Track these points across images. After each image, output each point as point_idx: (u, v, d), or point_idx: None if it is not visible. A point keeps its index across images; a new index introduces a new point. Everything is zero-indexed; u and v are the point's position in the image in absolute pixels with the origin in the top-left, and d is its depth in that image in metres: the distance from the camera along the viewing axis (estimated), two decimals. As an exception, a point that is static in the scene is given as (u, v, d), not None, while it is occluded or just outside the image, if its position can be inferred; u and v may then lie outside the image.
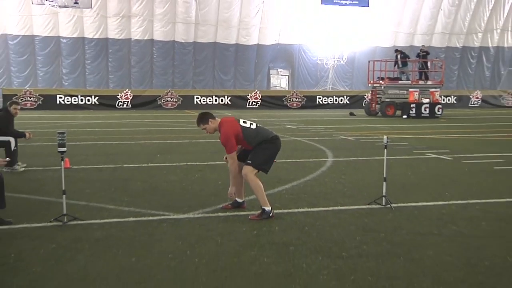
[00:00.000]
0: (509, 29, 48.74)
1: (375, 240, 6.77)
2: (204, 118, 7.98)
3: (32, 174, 11.50)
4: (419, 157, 14.20)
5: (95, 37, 40.59)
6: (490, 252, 6.34)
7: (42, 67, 40.35)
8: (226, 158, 8.12)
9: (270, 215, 7.73)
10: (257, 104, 37.96)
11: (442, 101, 33.77)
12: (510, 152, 15.19)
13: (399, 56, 32.99)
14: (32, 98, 33.95)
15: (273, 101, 38.53)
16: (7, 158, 9.34)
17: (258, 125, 8.10)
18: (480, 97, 42.28)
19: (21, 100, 31.31)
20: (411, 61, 34.45)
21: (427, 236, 6.97)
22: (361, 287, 5.22)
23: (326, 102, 39.71)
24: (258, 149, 7.88)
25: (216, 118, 8.02)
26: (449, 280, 5.43)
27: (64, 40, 40.26)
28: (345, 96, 40.49)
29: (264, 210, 7.75)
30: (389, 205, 8.44)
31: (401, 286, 5.24)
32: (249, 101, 37.93)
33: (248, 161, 7.83)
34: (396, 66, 33.24)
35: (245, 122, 7.98)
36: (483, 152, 15.25)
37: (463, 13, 46.97)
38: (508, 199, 9.22)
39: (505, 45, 49.31)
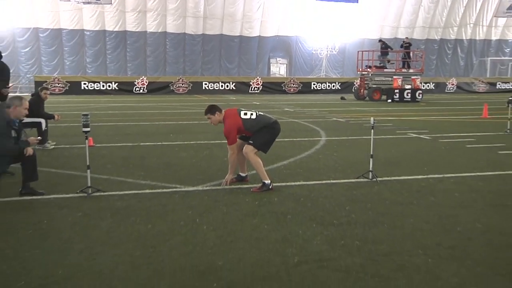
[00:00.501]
0: (480, 23, 48.60)
1: (362, 209, 6.80)
2: (212, 109, 7.96)
3: (60, 151, 11.53)
4: (402, 137, 14.20)
5: (115, 30, 40.42)
6: (462, 219, 6.38)
7: (68, 57, 40.25)
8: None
9: (270, 187, 7.75)
10: (259, 90, 37.83)
11: (422, 87, 33.54)
12: (480, 132, 15.17)
13: (381, 45, 33.11)
14: (60, 84, 33.87)
15: (273, 87, 38.38)
16: (39, 137, 9.35)
17: (258, 113, 8.03)
18: (455, 84, 42.17)
19: (50, 86, 31.24)
20: (395, 51, 34.36)
21: (407, 206, 7.00)
22: (350, 250, 5.26)
23: (320, 88, 39.55)
24: (260, 133, 7.86)
25: (222, 112, 7.97)
26: (426, 244, 5.46)
27: (88, 33, 40.12)
28: (336, 83, 40.33)
29: (264, 183, 7.76)
30: (375, 179, 8.47)
31: (385, 250, 5.28)
32: (252, 87, 37.80)
33: (249, 141, 7.83)
34: (380, 54, 33.24)
35: (245, 114, 7.90)
36: (457, 132, 15.24)
37: (441, 9, 46.82)
38: (478, 173, 9.25)
39: (477, 38, 49.21)
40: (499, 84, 42.79)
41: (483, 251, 5.28)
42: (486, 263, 4.97)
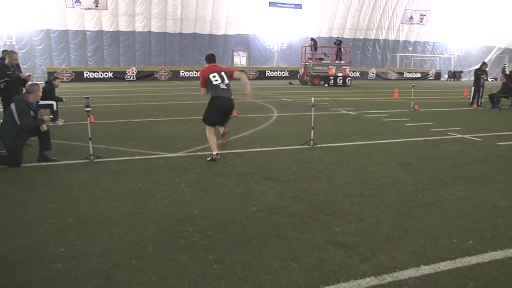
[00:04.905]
0: (392, 28, 49.60)
1: (305, 169, 6.86)
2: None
3: (68, 127, 11.22)
4: (335, 113, 14.35)
5: (110, 30, 39.23)
6: (378, 175, 6.52)
7: (73, 52, 38.93)
8: None
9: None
10: (225, 77, 37.68)
11: (351, 75, 33.91)
12: (392, 109, 15.45)
13: (312, 42, 33.26)
14: (67, 74, 33.13)
15: (236, 75, 38.16)
16: (51, 116, 9.13)
17: (220, 84, 7.50)
18: (374, 73, 42.99)
19: (59, 75, 30.43)
20: (329, 47, 34.54)
21: (339, 165, 7.11)
22: (296, 201, 5.31)
23: (273, 75, 39.63)
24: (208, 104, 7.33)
25: (206, 65, 7.68)
26: (352, 193, 5.57)
27: (88, 33, 38.84)
28: (285, 71, 40.50)
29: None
30: (315, 145, 8.56)
31: (322, 199, 5.35)
32: (219, 75, 37.66)
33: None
34: (311, 49, 33.25)
35: (214, 77, 7.42)
36: (376, 109, 15.49)
37: (363, 16, 47.31)
38: (390, 140, 9.45)
39: (390, 39, 50.13)
40: (405, 73, 44.53)
41: (393, 198, 5.42)
42: (394, 206, 5.10)
